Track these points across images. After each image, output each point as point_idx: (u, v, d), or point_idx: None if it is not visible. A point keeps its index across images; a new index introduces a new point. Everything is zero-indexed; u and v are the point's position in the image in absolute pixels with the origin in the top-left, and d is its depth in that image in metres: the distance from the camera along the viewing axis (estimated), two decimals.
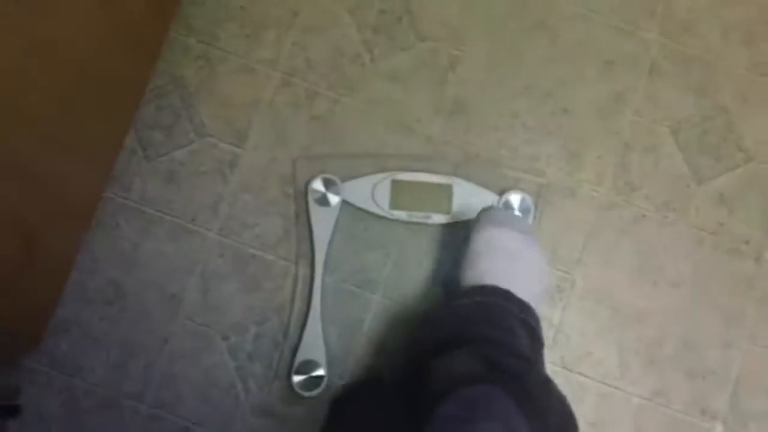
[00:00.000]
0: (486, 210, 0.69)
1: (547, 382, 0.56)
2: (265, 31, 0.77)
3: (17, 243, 0.59)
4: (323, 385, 0.71)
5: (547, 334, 0.74)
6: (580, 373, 0.74)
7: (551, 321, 0.75)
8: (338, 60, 0.77)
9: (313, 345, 0.72)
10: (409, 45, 0.78)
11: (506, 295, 0.60)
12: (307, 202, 0.73)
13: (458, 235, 0.72)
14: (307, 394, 0.71)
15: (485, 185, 0.75)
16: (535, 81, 0.78)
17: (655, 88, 0.78)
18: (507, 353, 0.52)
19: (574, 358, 0.74)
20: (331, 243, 0.73)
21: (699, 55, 0.79)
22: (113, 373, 0.73)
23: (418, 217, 0.74)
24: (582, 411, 0.73)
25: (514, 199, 0.74)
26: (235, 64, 0.77)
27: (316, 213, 0.73)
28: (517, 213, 0.74)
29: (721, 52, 0.79)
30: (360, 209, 0.74)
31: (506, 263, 0.63)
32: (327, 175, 0.73)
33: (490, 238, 0.65)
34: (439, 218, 0.74)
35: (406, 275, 0.75)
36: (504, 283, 0.61)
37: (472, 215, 0.70)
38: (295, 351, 0.71)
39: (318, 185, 0.73)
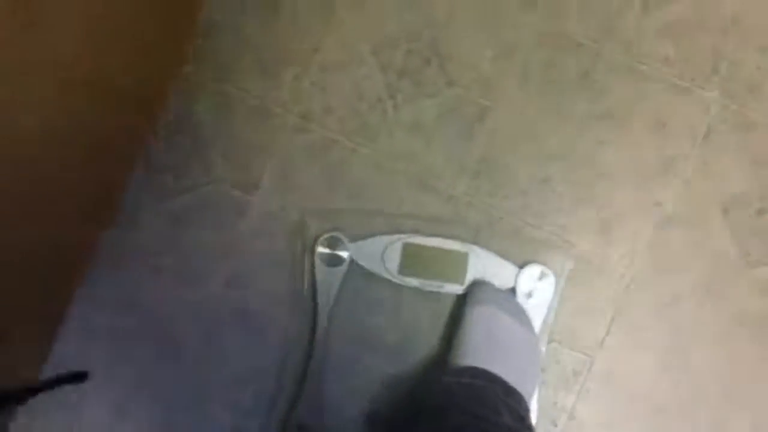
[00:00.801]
0: (479, 285, 0.67)
1: None
2: (283, 69, 0.72)
3: None
4: None
5: (559, 419, 0.70)
6: None
7: (564, 407, 0.70)
8: (358, 105, 0.72)
9: (312, 406, 0.70)
10: (436, 91, 0.71)
11: (494, 380, 0.59)
12: (313, 261, 0.70)
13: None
14: None
15: (506, 254, 0.69)
16: (572, 141, 0.70)
17: (709, 156, 0.70)
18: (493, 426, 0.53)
19: None
20: (336, 304, 0.70)
21: (763, 122, 0.69)
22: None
23: (430, 285, 0.69)
24: None
25: (534, 272, 0.68)
26: (250, 104, 0.72)
27: (322, 273, 0.70)
28: (527, 291, 0.68)
29: None
30: (368, 272, 0.70)
31: (498, 346, 0.63)
32: (335, 234, 0.69)
33: (482, 318, 0.64)
34: (452, 288, 0.69)
35: (411, 344, 0.71)
36: (493, 367, 0.60)
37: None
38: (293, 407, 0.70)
39: (325, 245, 0.69)
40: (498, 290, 0.68)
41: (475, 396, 0.57)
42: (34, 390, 0.65)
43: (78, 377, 0.69)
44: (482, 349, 0.62)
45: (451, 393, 0.58)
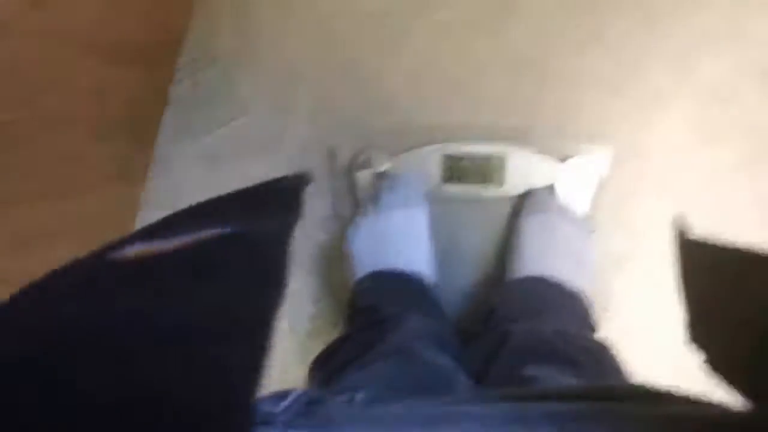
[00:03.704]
0: (534, 195, 0.68)
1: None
2: None
3: None
4: None
5: (610, 304, 0.71)
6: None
7: (614, 291, 0.71)
8: (382, 20, 0.70)
9: None
10: None
11: (559, 288, 0.61)
12: (354, 180, 0.70)
13: (514, 210, 0.69)
14: None
15: (547, 150, 0.69)
16: (606, 28, 0.68)
17: (747, 23, 0.67)
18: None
19: (634, 330, 0.72)
20: None
21: None
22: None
23: (471, 191, 0.70)
24: None
25: (576, 165, 0.68)
26: (270, 33, 0.70)
27: (365, 192, 0.70)
28: (570, 187, 0.68)
29: None
30: None
31: (557, 253, 0.64)
32: (374, 151, 0.69)
33: (539, 226, 0.65)
34: (493, 191, 0.70)
35: (460, 252, 0.72)
36: (556, 273, 0.62)
37: (529, 186, 0.68)
38: None
39: (364, 164, 0.69)
40: (545, 195, 0.68)
41: (538, 306, 0.59)
42: None
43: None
44: (541, 256, 0.63)
45: (514, 304, 0.60)
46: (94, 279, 0.25)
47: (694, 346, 0.36)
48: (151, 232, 0.29)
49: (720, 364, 0.30)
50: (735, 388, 0.27)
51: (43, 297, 0.23)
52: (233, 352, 0.23)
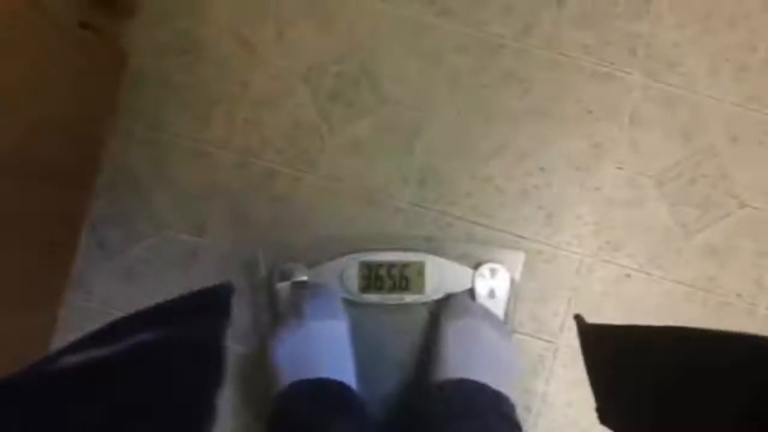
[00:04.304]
0: (454, 299, 0.69)
1: None
2: (214, 108, 0.72)
3: None
4: None
5: (532, 404, 0.72)
6: None
7: (535, 391, 0.73)
8: (295, 133, 0.72)
9: None
10: (369, 109, 0.72)
11: (481, 390, 0.61)
12: (272, 295, 0.70)
13: (432, 316, 0.71)
14: None
15: (461, 258, 0.71)
16: (507, 140, 0.72)
17: (637, 135, 0.73)
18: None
19: (559, 428, 0.73)
20: None
21: (685, 95, 0.72)
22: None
23: (390, 299, 0.71)
24: None
25: (487, 271, 0.71)
26: (185, 147, 0.72)
27: (284, 305, 0.70)
28: (485, 291, 0.71)
29: (709, 87, 0.72)
30: None
31: (478, 355, 0.64)
32: (291, 264, 0.70)
33: (460, 330, 0.66)
34: (415, 298, 0.71)
35: (381, 358, 0.72)
36: (478, 376, 0.62)
37: (448, 291, 0.70)
38: None
39: (283, 276, 0.70)
40: (467, 299, 0.70)
41: (464, 407, 0.60)
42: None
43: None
44: (463, 360, 0.64)
45: (439, 407, 0.61)
46: (37, 388, 0.27)
47: (607, 425, 0.39)
48: (83, 343, 0.31)
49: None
50: None
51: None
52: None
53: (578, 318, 0.44)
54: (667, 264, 0.72)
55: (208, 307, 0.40)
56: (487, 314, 0.69)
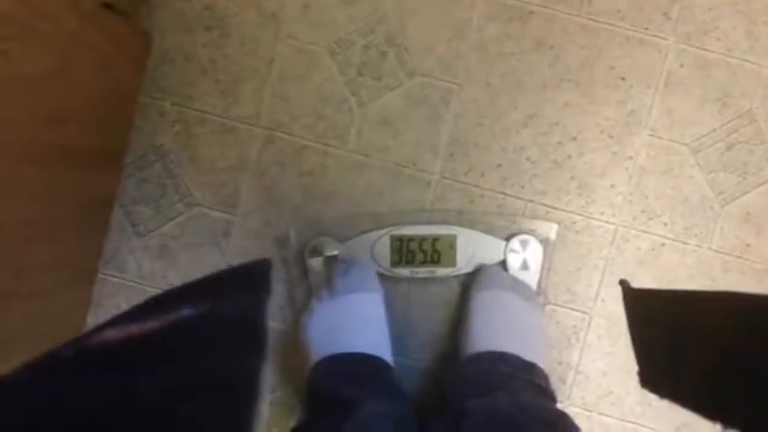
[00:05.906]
0: (483, 271, 0.69)
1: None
2: (241, 85, 0.72)
3: None
4: None
5: (566, 376, 0.72)
6: (602, 413, 0.73)
7: (569, 363, 0.72)
8: (323, 108, 0.72)
9: None
10: (398, 82, 0.71)
11: (513, 361, 0.61)
12: (306, 267, 0.71)
13: (464, 287, 0.71)
14: None
15: (492, 230, 0.71)
16: (538, 109, 0.71)
17: (672, 101, 0.71)
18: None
19: (595, 398, 0.73)
20: None
21: (720, 59, 0.71)
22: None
23: (422, 272, 0.71)
24: None
25: (519, 242, 0.70)
26: (214, 124, 0.72)
27: (316, 279, 0.70)
28: (518, 263, 0.70)
29: (745, 51, 0.70)
30: None
31: (509, 326, 0.64)
32: (323, 239, 0.70)
33: (490, 301, 0.66)
34: (446, 271, 0.71)
35: (414, 332, 0.72)
36: (509, 347, 0.62)
37: (480, 264, 0.70)
38: None
39: (315, 251, 0.70)
40: (497, 270, 0.69)
41: (493, 381, 0.59)
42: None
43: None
44: (494, 332, 0.64)
45: (469, 380, 0.61)
46: (78, 362, 0.27)
47: (647, 389, 0.39)
48: (125, 318, 0.31)
49: (677, 396, 0.33)
50: (698, 412, 0.30)
51: (36, 379, 0.26)
52: (215, 413, 0.25)
53: (623, 282, 0.44)
54: (703, 232, 0.71)
55: (248, 282, 0.39)
56: (517, 284, 0.68)
